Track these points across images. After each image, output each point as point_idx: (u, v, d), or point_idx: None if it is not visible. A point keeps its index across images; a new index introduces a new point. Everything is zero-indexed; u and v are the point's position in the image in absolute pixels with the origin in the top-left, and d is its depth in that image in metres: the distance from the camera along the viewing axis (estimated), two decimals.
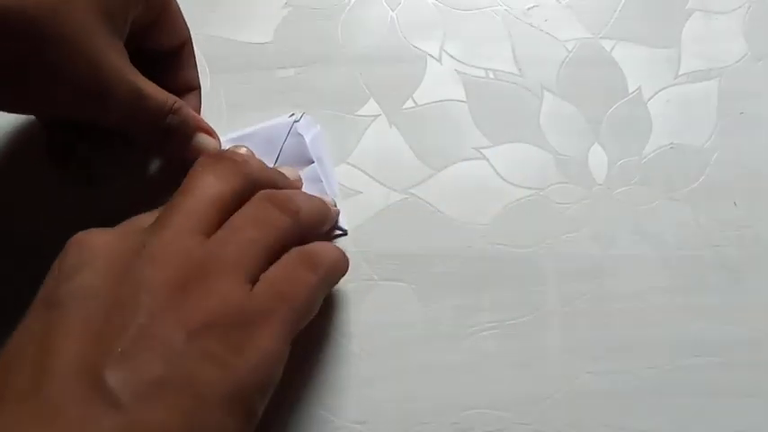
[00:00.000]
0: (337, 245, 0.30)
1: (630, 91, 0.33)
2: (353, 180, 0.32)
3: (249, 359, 0.20)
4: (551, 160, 0.32)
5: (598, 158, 0.32)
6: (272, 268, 0.23)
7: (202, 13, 0.34)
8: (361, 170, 0.32)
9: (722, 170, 0.32)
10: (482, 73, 0.34)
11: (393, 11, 0.35)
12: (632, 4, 0.35)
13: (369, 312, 0.30)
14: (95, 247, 0.21)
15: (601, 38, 0.34)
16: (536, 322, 0.29)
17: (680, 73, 0.34)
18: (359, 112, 0.33)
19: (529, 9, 0.35)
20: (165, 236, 0.21)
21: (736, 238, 0.31)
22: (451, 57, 0.34)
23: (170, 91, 0.29)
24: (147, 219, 0.24)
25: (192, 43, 0.31)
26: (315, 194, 0.30)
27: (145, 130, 0.28)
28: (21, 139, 0.32)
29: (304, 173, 0.31)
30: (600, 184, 0.32)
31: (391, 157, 0.32)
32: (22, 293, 0.29)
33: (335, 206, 0.30)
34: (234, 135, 0.31)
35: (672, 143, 0.33)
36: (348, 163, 0.32)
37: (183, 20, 0.30)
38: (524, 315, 0.30)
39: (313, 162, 0.31)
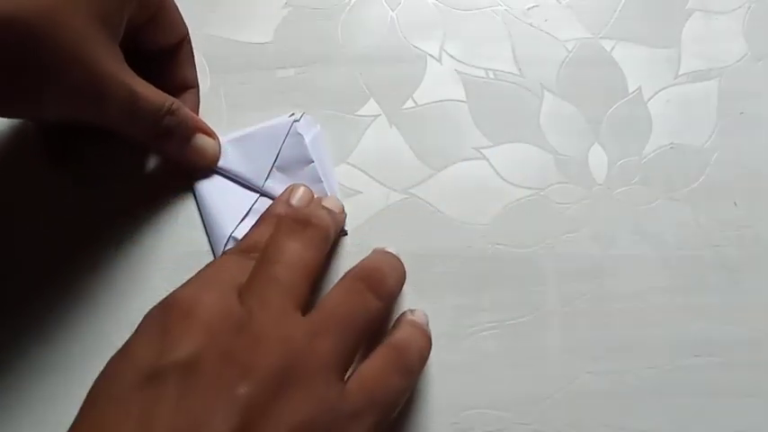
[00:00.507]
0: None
1: (630, 91, 0.33)
2: (353, 180, 0.32)
3: None
4: (551, 160, 0.32)
5: (598, 158, 0.32)
6: (366, 365, 0.23)
7: (202, 13, 0.34)
8: (361, 170, 0.32)
9: (722, 170, 0.32)
10: (482, 73, 0.34)
11: (393, 11, 0.35)
12: (632, 4, 0.35)
13: None
14: (198, 315, 0.21)
15: (601, 38, 0.34)
16: (536, 322, 0.29)
17: (680, 73, 0.34)
18: (359, 112, 0.33)
19: (529, 9, 0.35)
20: (266, 317, 0.22)
21: (736, 238, 0.31)
22: (451, 57, 0.34)
23: (167, 89, 0.29)
24: (235, 268, 0.24)
25: (190, 41, 0.31)
26: (315, 194, 0.30)
27: (142, 132, 0.28)
28: (19, 138, 0.32)
29: (304, 173, 0.30)
30: (600, 184, 0.32)
31: (391, 157, 0.32)
32: (22, 293, 0.29)
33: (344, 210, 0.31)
34: (234, 135, 0.31)
35: (672, 143, 0.33)
36: (348, 163, 0.32)
37: (180, 17, 0.30)
38: (524, 315, 0.30)
39: (313, 162, 0.31)
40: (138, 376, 0.20)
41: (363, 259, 0.26)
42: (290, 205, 0.28)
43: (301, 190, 0.29)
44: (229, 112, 0.33)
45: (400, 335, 0.25)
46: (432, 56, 0.34)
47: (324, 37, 0.34)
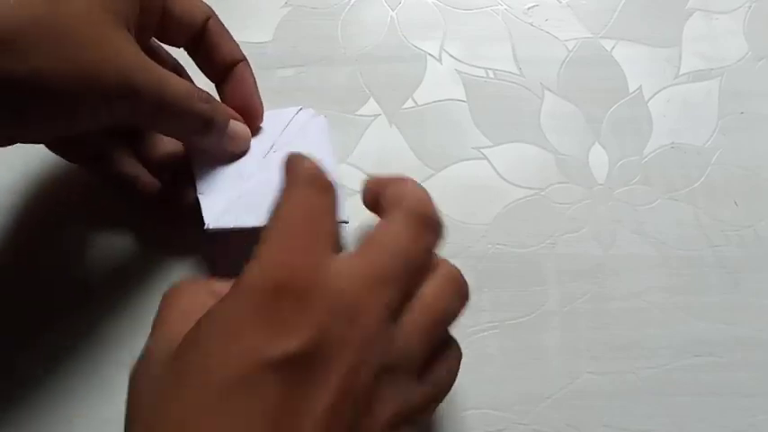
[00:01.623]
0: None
1: (631, 91, 0.33)
2: (353, 180, 0.32)
3: None
4: (552, 160, 0.32)
5: (599, 158, 0.32)
6: (439, 365, 0.22)
7: None
8: (361, 170, 0.32)
9: (723, 170, 0.32)
10: (482, 72, 0.34)
11: (393, 10, 0.35)
12: (633, 4, 0.35)
13: None
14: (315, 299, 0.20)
15: (601, 37, 0.34)
16: (536, 322, 0.29)
17: (680, 73, 0.34)
18: (359, 112, 0.33)
19: (529, 8, 0.35)
20: (367, 321, 0.20)
21: (737, 238, 0.31)
22: (451, 56, 0.34)
23: (213, 72, 0.28)
24: (318, 212, 0.21)
25: (215, 16, 0.29)
26: None
27: (177, 119, 0.26)
28: None
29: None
30: (600, 184, 0.32)
31: (391, 157, 0.32)
32: (21, 294, 0.30)
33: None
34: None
35: (672, 143, 0.33)
36: (348, 163, 0.32)
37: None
38: (524, 315, 0.30)
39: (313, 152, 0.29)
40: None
41: (402, 187, 0.24)
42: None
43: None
44: None
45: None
46: (432, 55, 0.34)
47: (324, 37, 0.34)
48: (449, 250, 0.30)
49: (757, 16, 0.35)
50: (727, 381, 0.29)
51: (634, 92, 0.33)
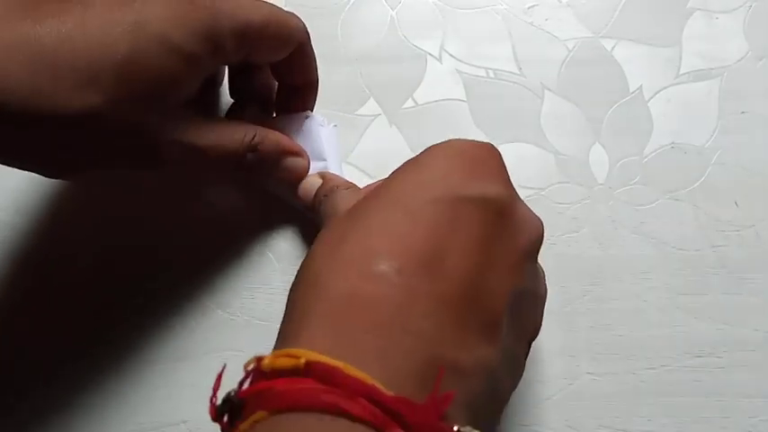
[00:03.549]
0: None
1: (631, 90, 0.33)
2: (353, 180, 0.31)
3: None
4: (552, 160, 0.32)
5: (599, 158, 0.32)
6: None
7: None
8: (361, 170, 0.32)
9: (723, 170, 0.32)
10: (482, 72, 0.34)
11: (393, 10, 0.35)
12: (633, 4, 0.35)
13: None
14: (500, 174, 0.22)
15: (601, 37, 0.34)
16: None
17: (681, 72, 0.34)
18: (359, 112, 0.33)
19: (529, 8, 0.35)
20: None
21: (737, 238, 0.31)
22: (452, 56, 0.34)
23: (284, 92, 0.29)
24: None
25: (305, 42, 0.28)
26: None
27: (220, 173, 0.29)
28: None
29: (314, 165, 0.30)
30: (601, 184, 0.32)
31: (391, 157, 0.32)
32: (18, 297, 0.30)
33: None
34: None
35: (673, 143, 0.33)
36: (348, 163, 0.32)
37: (293, 23, 0.27)
38: None
39: (324, 159, 0.30)
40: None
41: None
42: None
43: None
44: None
45: None
46: (432, 55, 0.34)
47: (324, 37, 0.34)
48: None
49: (757, 16, 0.35)
50: (727, 381, 0.29)
51: (634, 92, 0.33)
